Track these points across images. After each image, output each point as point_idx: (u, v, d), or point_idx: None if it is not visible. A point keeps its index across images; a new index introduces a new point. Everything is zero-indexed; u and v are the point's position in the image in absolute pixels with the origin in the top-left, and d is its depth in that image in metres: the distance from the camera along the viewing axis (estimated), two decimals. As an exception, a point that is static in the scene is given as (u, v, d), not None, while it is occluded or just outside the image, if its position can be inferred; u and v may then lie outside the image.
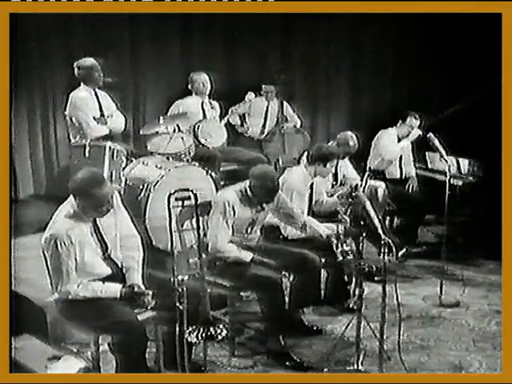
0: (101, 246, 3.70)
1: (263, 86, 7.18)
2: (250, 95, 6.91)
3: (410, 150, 6.35)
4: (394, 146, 6.20)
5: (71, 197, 3.63)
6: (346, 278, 4.98)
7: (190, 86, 6.58)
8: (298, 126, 7.37)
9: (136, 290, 3.70)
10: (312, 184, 5.04)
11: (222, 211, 4.31)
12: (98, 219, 3.67)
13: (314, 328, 4.62)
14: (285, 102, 7.27)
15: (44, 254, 3.63)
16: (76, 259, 3.56)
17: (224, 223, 4.31)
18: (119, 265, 3.80)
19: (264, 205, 4.47)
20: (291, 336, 4.40)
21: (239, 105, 7.01)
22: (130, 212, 4.03)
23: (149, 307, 3.66)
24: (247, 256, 4.33)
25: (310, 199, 5.04)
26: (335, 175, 5.66)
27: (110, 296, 3.63)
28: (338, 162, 5.47)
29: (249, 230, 4.48)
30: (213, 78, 6.63)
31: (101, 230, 3.69)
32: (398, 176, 6.30)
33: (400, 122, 6.23)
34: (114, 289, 3.66)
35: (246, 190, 4.41)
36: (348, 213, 5.10)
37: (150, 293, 3.67)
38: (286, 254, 4.50)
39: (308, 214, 4.96)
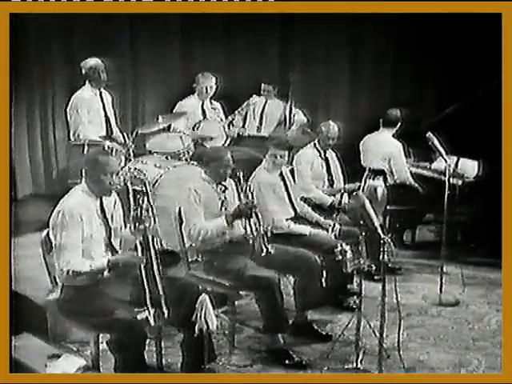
0: (105, 228, 3.70)
1: (262, 84, 7.17)
2: (254, 99, 6.94)
3: None
4: (406, 170, 6.11)
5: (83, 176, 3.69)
6: (345, 277, 4.97)
7: (194, 85, 6.56)
8: (305, 122, 7.31)
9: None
10: (283, 175, 4.99)
11: (190, 199, 4.32)
12: (104, 199, 3.70)
13: (324, 333, 4.55)
14: (289, 103, 7.21)
15: (42, 247, 3.69)
16: (83, 235, 3.56)
17: (195, 209, 4.32)
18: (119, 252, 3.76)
19: (224, 183, 4.48)
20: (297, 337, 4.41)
21: (242, 108, 7.03)
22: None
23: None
24: (221, 221, 4.31)
25: (287, 190, 4.98)
26: (328, 168, 5.65)
27: (99, 267, 3.56)
28: (325, 152, 5.59)
29: (223, 212, 4.44)
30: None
31: (105, 209, 3.71)
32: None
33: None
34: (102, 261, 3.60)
35: (202, 174, 4.48)
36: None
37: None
38: (286, 255, 4.48)
39: (292, 206, 4.96)
